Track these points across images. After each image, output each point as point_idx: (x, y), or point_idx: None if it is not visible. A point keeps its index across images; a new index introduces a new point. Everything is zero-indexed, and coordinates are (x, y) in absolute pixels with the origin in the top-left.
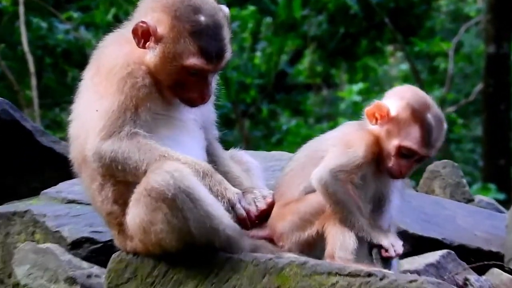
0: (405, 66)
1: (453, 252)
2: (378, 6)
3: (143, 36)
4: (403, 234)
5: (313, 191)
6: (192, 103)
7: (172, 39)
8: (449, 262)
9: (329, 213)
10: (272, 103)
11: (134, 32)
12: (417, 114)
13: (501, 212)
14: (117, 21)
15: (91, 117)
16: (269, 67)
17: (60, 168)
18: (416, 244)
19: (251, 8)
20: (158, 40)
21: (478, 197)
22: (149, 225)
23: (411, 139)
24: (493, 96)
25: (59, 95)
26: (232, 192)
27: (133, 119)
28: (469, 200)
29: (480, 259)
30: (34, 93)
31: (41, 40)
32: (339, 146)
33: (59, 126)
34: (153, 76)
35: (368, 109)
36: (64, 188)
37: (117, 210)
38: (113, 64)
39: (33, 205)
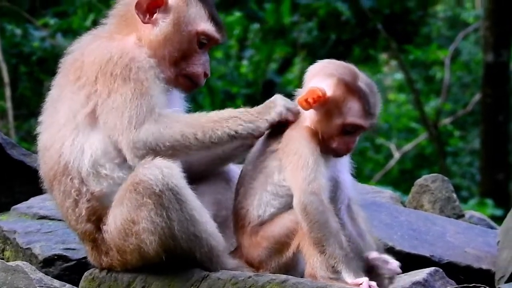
0: (399, 75)
1: (441, 269)
2: (371, 12)
3: (148, 9)
4: (390, 251)
5: (278, 207)
6: (195, 79)
7: (184, 4)
8: (437, 280)
9: (303, 231)
10: None
11: (139, 5)
12: (353, 88)
13: (493, 228)
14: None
15: (87, 121)
16: (257, 75)
17: (31, 182)
18: (403, 261)
19: (238, 14)
20: (169, 8)
21: (469, 213)
22: (131, 226)
23: (354, 114)
24: (492, 106)
25: (35, 105)
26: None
27: (155, 101)
28: (460, 216)
29: (470, 277)
30: (8, 104)
31: (16, 48)
32: (289, 159)
33: (35, 138)
34: (154, 57)
35: (300, 97)
36: (36, 203)
37: (91, 228)
38: (107, 57)
39: (3, 221)
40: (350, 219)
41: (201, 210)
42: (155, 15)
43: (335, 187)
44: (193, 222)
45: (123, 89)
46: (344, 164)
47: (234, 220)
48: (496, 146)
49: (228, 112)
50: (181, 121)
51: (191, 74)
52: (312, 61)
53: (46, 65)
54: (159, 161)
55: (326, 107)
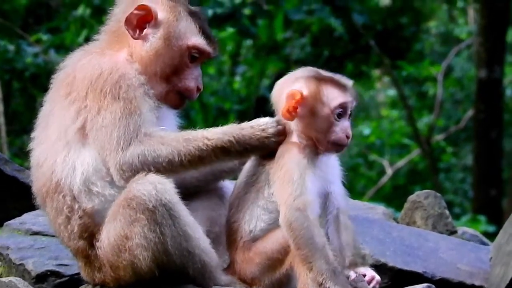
0: (392, 92)
1: (433, 286)
2: (364, 28)
3: (138, 24)
4: (382, 267)
5: (268, 222)
6: (187, 94)
7: (175, 18)
8: None
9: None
10: None
11: (128, 21)
12: (321, 77)
13: (485, 244)
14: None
15: (77, 137)
16: (250, 91)
17: (24, 198)
18: (396, 277)
19: (230, 30)
20: (159, 23)
21: (462, 229)
22: (124, 242)
23: (335, 96)
24: (485, 122)
25: (28, 121)
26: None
27: (142, 120)
28: (452, 232)
29: None
30: (1, 120)
31: (8, 64)
32: (277, 174)
33: (27, 154)
34: (145, 73)
35: (282, 110)
36: (28, 219)
37: (84, 244)
38: (98, 73)
39: None
40: (336, 230)
41: (194, 226)
42: (145, 31)
43: (325, 198)
44: (186, 238)
45: (112, 107)
46: (336, 175)
47: (227, 235)
48: (489, 162)
49: (217, 139)
50: (166, 143)
51: (184, 90)
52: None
53: (39, 81)
54: (153, 176)
55: (308, 107)
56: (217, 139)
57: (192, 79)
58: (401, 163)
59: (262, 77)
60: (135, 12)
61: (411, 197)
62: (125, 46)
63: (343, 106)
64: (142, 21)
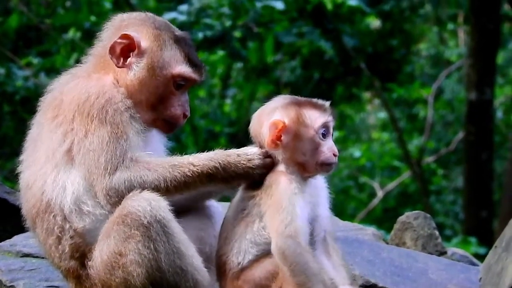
0: (383, 114)
1: None
2: (354, 51)
3: (122, 53)
4: None
5: (256, 254)
6: (174, 122)
7: (158, 48)
8: None
9: (285, 275)
10: None
11: (112, 50)
12: (298, 102)
13: (475, 265)
14: None
15: (64, 159)
16: (240, 114)
17: (14, 220)
18: None
19: (221, 52)
20: (143, 52)
21: (452, 250)
22: (118, 259)
23: (317, 116)
24: (475, 144)
25: (18, 144)
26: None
27: (129, 145)
28: (442, 253)
29: None
30: None
31: None
32: (267, 204)
33: (18, 177)
34: (131, 99)
35: (267, 141)
36: (19, 241)
37: (75, 265)
38: (85, 97)
39: None
40: (325, 252)
41: (187, 244)
42: (129, 59)
43: (313, 221)
44: (179, 255)
45: (99, 131)
46: (323, 197)
47: (217, 266)
48: (479, 184)
49: (203, 165)
50: (152, 169)
51: (170, 118)
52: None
53: (30, 105)
54: (147, 193)
55: (292, 133)
56: (203, 166)
57: (179, 106)
58: (391, 185)
59: (252, 100)
60: (119, 41)
61: (401, 218)
62: (111, 71)
63: (325, 125)
64: (125, 50)
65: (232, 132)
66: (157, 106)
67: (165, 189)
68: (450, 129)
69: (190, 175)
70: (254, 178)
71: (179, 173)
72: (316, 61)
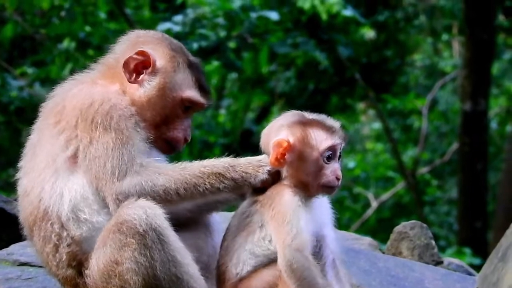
0: (377, 125)
1: None
2: (349, 61)
3: (136, 69)
4: None
5: (254, 265)
6: (174, 144)
7: (172, 69)
8: None
9: (283, 285)
10: None
11: (126, 64)
12: (306, 121)
13: (471, 275)
14: None
15: (68, 165)
16: (235, 125)
17: (11, 229)
18: None
19: (216, 63)
20: (156, 71)
21: (448, 260)
22: (114, 267)
23: (323, 138)
24: (470, 155)
25: (13, 154)
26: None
27: (136, 150)
28: (438, 262)
29: None
30: None
31: None
32: (270, 216)
33: (13, 187)
34: (135, 109)
35: (270, 159)
36: (16, 250)
37: (72, 273)
38: (88, 102)
39: None
40: (336, 276)
41: (183, 252)
42: (141, 76)
43: (319, 242)
44: (175, 263)
45: (104, 138)
46: (327, 218)
47: (217, 275)
48: (474, 195)
49: (212, 166)
50: (163, 174)
51: (171, 139)
52: (290, 110)
53: (24, 115)
54: (143, 202)
55: (296, 152)
56: (213, 166)
57: (181, 129)
58: (386, 196)
59: (246, 110)
60: (134, 56)
61: (397, 228)
62: (118, 81)
63: (332, 148)
64: (140, 66)
65: (227, 143)
66: (161, 126)
67: (175, 191)
68: (445, 140)
69: (201, 175)
70: (263, 183)
71: (189, 174)
72: (310, 71)
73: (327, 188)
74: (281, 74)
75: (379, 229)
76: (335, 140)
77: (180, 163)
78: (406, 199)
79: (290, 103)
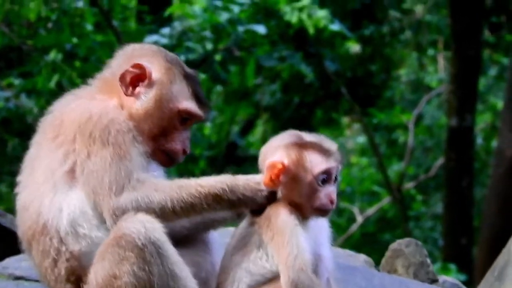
0: (362, 139)
1: None
2: (334, 75)
3: (132, 82)
4: None
5: (249, 284)
6: (173, 156)
7: (168, 81)
8: None
9: None
10: None
11: (122, 78)
12: (302, 143)
13: None
14: (60, 88)
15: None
16: (220, 137)
17: (6, 243)
18: None
19: (202, 75)
20: (153, 83)
21: (443, 278)
22: (112, 281)
23: (318, 162)
24: (455, 171)
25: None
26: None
27: (133, 165)
28: (434, 281)
29: None
30: None
31: None
32: (269, 236)
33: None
34: (133, 123)
35: (264, 179)
36: (11, 263)
37: None
38: (86, 116)
39: None
40: None
41: (181, 266)
42: (137, 89)
43: (317, 261)
44: (173, 277)
45: (102, 153)
46: (325, 237)
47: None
48: (459, 210)
49: (210, 186)
50: (160, 191)
51: (169, 151)
52: (275, 124)
53: (11, 126)
54: (141, 216)
55: (290, 174)
56: (211, 186)
57: (179, 141)
58: (371, 210)
59: (232, 123)
60: (130, 69)
61: (393, 245)
62: (116, 96)
63: (327, 172)
64: (136, 79)
65: (212, 155)
66: (159, 138)
67: (171, 209)
68: (430, 155)
69: (197, 195)
70: (261, 204)
71: (186, 193)
72: (296, 85)
73: (320, 211)
74: (267, 87)
75: (363, 243)
76: (331, 163)
77: (178, 180)
78: (390, 214)
79: (275, 117)
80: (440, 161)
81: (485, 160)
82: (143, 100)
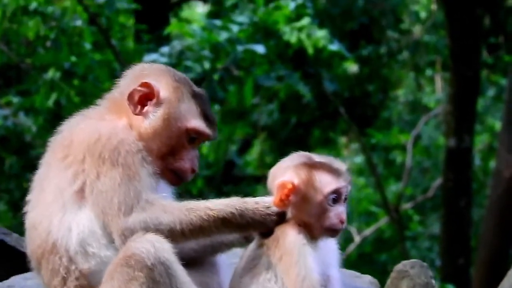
0: (359, 159)
1: None
2: (332, 95)
3: (140, 101)
4: None
5: None
6: (182, 175)
7: (176, 99)
8: None
9: None
10: (219, 195)
11: (130, 97)
12: (312, 164)
13: None
14: (58, 106)
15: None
16: (218, 156)
17: (11, 261)
18: None
19: None
20: (161, 102)
21: None
22: None
23: (328, 182)
24: (453, 191)
25: None
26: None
27: (142, 186)
28: None
29: None
30: None
31: None
32: (277, 258)
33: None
34: (142, 144)
35: (274, 199)
36: (16, 282)
37: None
38: (96, 137)
39: None
40: None
41: (190, 286)
42: (146, 108)
43: (325, 282)
44: None
45: (111, 173)
46: (334, 258)
47: None
48: (457, 231)
49: (219, 210)
50: (168, 212)
51: (178, 170)
52: (272, 143)
53: (9, 144)
54: (151, 236)
55: (300, 194)
56: (220, 210)
57: (188, 160)
58: (369, 231)
59: (230, 142)
60: (138, 88)
61: (398, 267)
62: (124, 116)
63: (337, 191)
64: (144, 98)
65: (209, 175)
66: (167, 157)
67: (180, 232)
68: (427, 175)
69: (206, 219)
70: (270, 227)
71: (195, 216)
72: (293, 104)
73: (330, 231)
74: (264, 107)
75: (360, 264)
76: (341, 183)
77: (187, 202)
78: (387, 234)
79: (272, 136)
80: (438, 181)
81: (483, 180)
82: (152, 119)
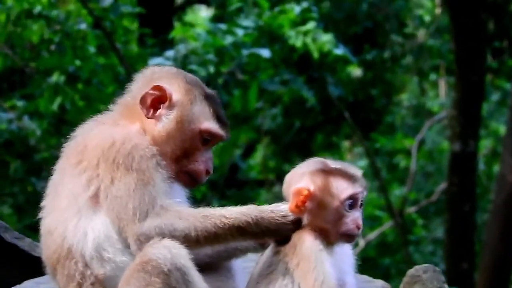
0: (363, 163)
1: None
2: (337, 99)
3: (152, 104)
4: None
5: None
6: (196, 177)
7: (189, 102)
8: None
9: None
10: (223, 199)
11: (143, 100)
12: (328, 170)
13: None
14: (63, 110)
15: (90, 205)
16: (222, 161)
17: (23, 266)
18: None
19: None
20: (173, 104)
21: None
22: None
23: (344, 187)
24: (457, 196)
25: (1, 187)
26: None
27: (157, 191)
28: None
29: None
30: None
31: None
32: (294, 264)
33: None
34: (156, 148)
35: (289, 206)
36: (29, 286)
37: None
38: (110, 142)
39: None
40: None
41: None
42: (159, 111)
43: (341, 287)
44: None
45: (126, 179)
46: (350, 265)
47: None
48: (461, 235)
49: (235, 218)
50: (184, 218)
51: (192, 172)
52: (275, 148)
53: (13, 148)
54: (167, 241)
55: (317, 201)
56: (235, 219)
57: (202, 161)
58: (373, 235)
59: (234, 147)
60: (151, 92)
61: (410, 271)
62: (138, 120)
63: (353, 197)
64: (156, 101)
65: (213, 179)
66: (181, 159)
67: (195, 239)
68: (431, 180)
69: (221, 226)
70: (285, 235)
71: (210, 223)
72: (297, 109)
73: (346, 237)
74: (268, 111)
75: (364, 268)
76: (357, 188)
77: (202, 208)
78: (390, 238)
79: (276, 141)
80: (442, 185)
81: (487, 185)
82: (165, 121)
